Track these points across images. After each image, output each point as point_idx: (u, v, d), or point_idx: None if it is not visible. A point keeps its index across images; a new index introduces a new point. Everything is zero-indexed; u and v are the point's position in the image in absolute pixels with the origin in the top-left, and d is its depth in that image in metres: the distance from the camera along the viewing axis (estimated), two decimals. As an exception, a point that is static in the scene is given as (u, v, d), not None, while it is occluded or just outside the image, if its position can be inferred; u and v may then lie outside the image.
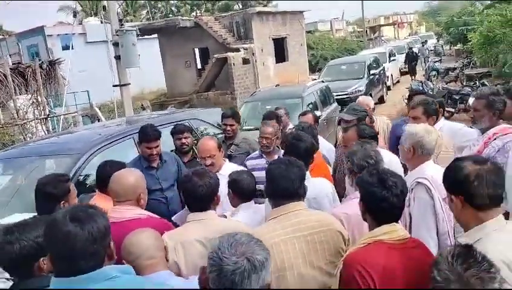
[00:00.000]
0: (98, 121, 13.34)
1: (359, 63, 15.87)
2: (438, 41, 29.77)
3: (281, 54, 23.29)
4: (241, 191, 3.11)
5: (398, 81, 21.16)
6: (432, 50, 28.90)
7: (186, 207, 3.60)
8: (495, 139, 3.31)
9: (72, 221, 1.58)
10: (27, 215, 3.27)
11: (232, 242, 1.48)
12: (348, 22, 51.49)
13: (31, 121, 9.78)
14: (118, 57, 11.09)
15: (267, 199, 2.57)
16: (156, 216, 2.83)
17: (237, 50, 20.32)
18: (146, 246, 2.13)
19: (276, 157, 4.36)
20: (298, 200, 2.26)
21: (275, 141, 4.39)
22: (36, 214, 2.76)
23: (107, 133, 4.74)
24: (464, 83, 16.11)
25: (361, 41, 35.21)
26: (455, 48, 29.97)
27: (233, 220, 2.76)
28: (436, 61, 20.09)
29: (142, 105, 14.08)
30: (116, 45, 10.99)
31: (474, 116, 3.47)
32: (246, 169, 3.80)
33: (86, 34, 27.05)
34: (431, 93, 13.71)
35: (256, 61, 20.99)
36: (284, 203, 2.24)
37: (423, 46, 27.03)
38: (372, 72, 15.57)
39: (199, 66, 23.36)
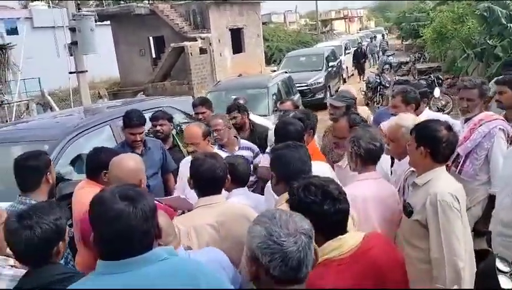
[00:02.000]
0: (51, 110, 12.76)
1: (318, 55, 16.09)
2: (384, 38, 30.10)
3: (238, 45, 23.22)
4: (237, 176, 3.07)
5: (352, 74, 21.68)
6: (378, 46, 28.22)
7: (177, 193, 3.54)
8: (481, 125, 3.47)
9: (123, 199, 1.49)
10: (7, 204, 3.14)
11: (279, 223, 1.45)
12: (300, 15, 51.99)
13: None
14: (74, 43, 10.66)
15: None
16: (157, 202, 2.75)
17: (194, 39, 20.05)
18: (167, 224, 2.07)
19: (236, 148, 4.33)
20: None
21: (228, 132, 4.33)
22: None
23: (83, 120, 4.55)
24: (416, 77, 16.76)
25: (315, 34, 35.72)
26: (405, 42, 31.10)
27: (239, 203, 2.72)
28: (390, 55, 20.67)
29: (99, 93, 13.60)
30: (72, 30, 10.55)
31: (468, 106, 3.60)
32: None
33: (32, 19, 25.77)
34: (387, 86, 14.21)
35: (213, 51, 20.82)
36: None
37: (372, 42, 27.18)
38: (330, 64, 15.84)
39: (154, 55, 22.84)
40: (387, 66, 19.14)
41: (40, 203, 2.04)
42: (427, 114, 4.21)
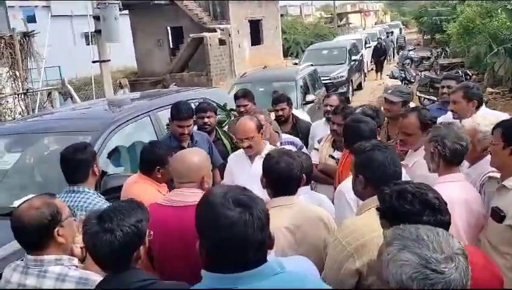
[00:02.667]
0: (71, 99, 12.66)
1: (340, 49, 15.79)
2: (401, 32, 29.28)
3: (256, 37, 23.00)
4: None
5: (371, 69, 21.34)
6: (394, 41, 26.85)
7: None
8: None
9: (237, 205, 1.33)
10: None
11: (430, 245, 1.21)
12: (316, 8, 51.44)
13: (9, 96, 9.09)
14: (98, 31, 10.58)
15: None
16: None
17: (213, 30, 19.88)
18: None
19: (278, 144, 4.01)
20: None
21: (269, 128, 4.08)
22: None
23: (123, 111, 4.40)
24: (438, 73, 16.42)
25: (331, 27, 35.29)
26: (425, 37, 30.59)
27: (315, 205, 2.55)
28: (411, 50, 20.31)
29: (120, 83, 13.46)
30: (97, 18, 10.47)
31: None
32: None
33: (49, 7, 25.73)
34: (413, 81, 13.92)
35: (232, 42, 20.63)
36: None
37: (388, 37, 25.90)
38: (353, 58, 15.56)
39: (172, 46, 22.70)
40: (408, 61, 18.81)
41: (120, 203, 1.89)
42: (484, 111, 3.99)
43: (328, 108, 4.56)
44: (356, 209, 2.23)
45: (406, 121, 3.18)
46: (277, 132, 4.20)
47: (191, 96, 5.45)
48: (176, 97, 5.33)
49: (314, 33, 29.70)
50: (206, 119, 4.34)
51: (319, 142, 4.10)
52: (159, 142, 3.26)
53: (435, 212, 1.63)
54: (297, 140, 4.29)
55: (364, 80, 17.53)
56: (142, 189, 2.99)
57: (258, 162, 3.47)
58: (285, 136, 4.23)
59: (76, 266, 2.06)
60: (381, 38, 21.16)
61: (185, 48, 19.92)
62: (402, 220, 1.62)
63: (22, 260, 2.05)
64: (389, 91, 4.19)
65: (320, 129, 4.64)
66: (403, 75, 13.74)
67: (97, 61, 11.00)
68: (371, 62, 20.23)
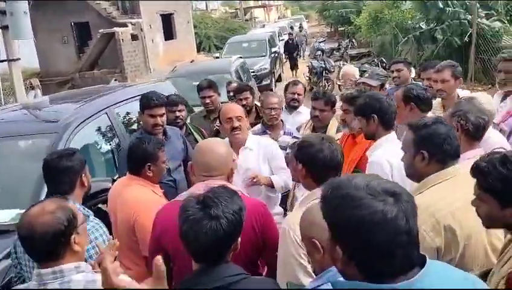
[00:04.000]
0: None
1: (260, 41, 15.91)
2: (301, 29, 29.42)
3: (169, 31, 22.35)
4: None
5: (286, 61, 21.77)
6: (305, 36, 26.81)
7: None
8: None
9: (389, 195, 1.14)
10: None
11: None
12: (220, 3, 51.37)
13: None
14: (5, 27, 9.60)
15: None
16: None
17: (124, 25, 18.92)
18: None
19: (281, 132, 4.05)
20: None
21: (280, 112, 4.07)
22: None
23: (79, 109, 3.95)
24: (349, 62, 17.22)
25: (240, 21, 35.46)
26: (328, 30, 31.87)
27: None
28: (321, 42, 21.04)
29: (31, 84, 12.29)
30: (3, 13, 9.47)
31: (505, 79, 3.57)
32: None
33: None
34: (332, 70, 14.42)
35: (144, 37, 19.83)
36: (453, 164, 2.01)
37: (301, 31, 25.91)
38: (273, 50, 15.74)
39: (78, 43, 21.21)
40: (319, 52, 19.43)
41: (218, 189, 1.65)
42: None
43: (296, 96, 4.48)
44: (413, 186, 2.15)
45: (395, 95, 3.24)
46: (281, 120, 4.04)
47: (142, 90, 5.07)
48: (126, 92, 4.95)
49: (225, 27, 29.60)
50: (177, 113, 4.06)
51: (298, 130, 4.01)
52: (146, 137, 2.95)
53: None
54: (296, 132, 4.16)
55: (283, 72, 17.81)
56: (139, 192, 2.70)
57: (243, 153, 3.30)
58: (287, 127, 4.09)
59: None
60: (292, 34, 20.34)
61: (95, 45, 18.74)
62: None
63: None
64: (367, 75, 4.23)
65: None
66: (323, 65, 14.16)
67: (5, 60, 10.03)
68: (285, 57, 19.50)
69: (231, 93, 5.14)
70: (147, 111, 3.51)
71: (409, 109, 3.13)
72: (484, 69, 11.39)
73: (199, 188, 2.12)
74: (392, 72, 4.85)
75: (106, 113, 4.15)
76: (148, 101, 3.50)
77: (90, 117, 3.91)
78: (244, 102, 4.63)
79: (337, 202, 1.17)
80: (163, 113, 3.57)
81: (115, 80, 13.23)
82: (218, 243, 1.52)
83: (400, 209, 1.12)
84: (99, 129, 4.05)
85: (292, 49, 18.16)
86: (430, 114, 3.31)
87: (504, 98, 3.63)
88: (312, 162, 2.11)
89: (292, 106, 4.55)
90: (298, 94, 4.49)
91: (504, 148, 2.77)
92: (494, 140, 2.76)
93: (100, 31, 18.31)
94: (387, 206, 1.12)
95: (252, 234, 2.10)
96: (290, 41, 18.34)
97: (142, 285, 1.55)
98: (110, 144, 4.15)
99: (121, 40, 18.07)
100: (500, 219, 1.68)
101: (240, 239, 1.61)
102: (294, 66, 17.97)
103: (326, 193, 1.21)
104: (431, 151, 1.99)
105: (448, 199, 1.91)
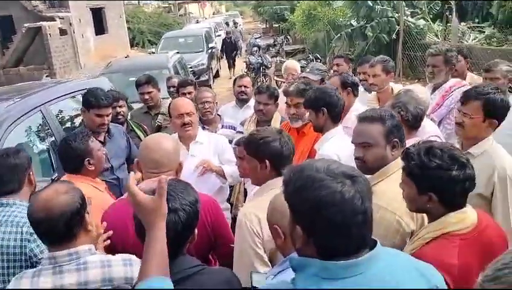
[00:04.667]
0: None
1: (196, 37, 15.75)
2: (236, 27, 28.61)
3: (100, 26, 21.55)
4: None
5: (222, 57, 21.72)
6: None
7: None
8: (452, 91, 3.72)
9: (347, 177, 1.20)
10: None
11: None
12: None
13: None
14: None
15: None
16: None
17: (52, 19, 18.00)
18: None
19: (219, 126, 4.08)
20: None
21: (215, 107, 4.10)
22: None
23: (11, 107, 3.72)
24: (285, 58, 17.54)
25: (174, 16, 34.87)
26: (262, 26, 32.21)
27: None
28: (257, 38, 21.22)
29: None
30: None
31: (433, 72, 3.81)
32: None
33: None
34: (269, 66, 14.61)
35: (74, 32, 18.98)
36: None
37: (236, 27, 25.39)
38: (210, 45, 15.65)
39: (1, 38, 19.90)
40: (255, 48, 19.60)
41: (172, 181, 1.61)
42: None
43: (243, 89, 4.52)
44: None
45: (330, 82, 3.47)
46: (219, 115, 4.04)
47: (77, 87, 4.88)
48: (61, 88, 4.73)
49: (159, 22, 29.00)
50: (118, 109, 3.95)
51: (242, 124, 4.04)
52: (71, 135, 2.85)
53: (463, 167, 1.71)
54: (236, 124, 4.16)
55: (221, 68, 17.77)
56: (88, 191, 2.57)
57: (194, 147, 3.30)
58: (226, 120, 4.09)
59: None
60: (229, 32, 19.41)
61: (20, 40, 17.66)
62: (430, 176, 1.71)
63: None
64: (308, 70, 4.34)
65: (229, 112, 4.57)
66: (260, 61, 14.30)
67: None
68: (221, 56, 18.60)
69: (171, 89, 5.08)
70: (93, 110, 3.37)
71: (346, 93, 3.37)
72: (411, 64, 12.05)
73: (149, 184, 2.09)
74: (333, 65, 5.08)
75: (40, 110, 3.95)
76: (97, 101, 3.35)
77: (23, 115, 3.69)
78: (188, 96, 4.59)
79: (299, 184, 1.22)
80: (110, 113, 3.46)
81: (47, 76, 12.57)
82: (177, 236, 1.50)
83: (357, 191, 1.18)
84: (33, 128, 3.85)
85: (231, 48, 17.46)
86: (364, 107, 3.50)
87: (433, 91, 3.87)
88: (278, 156, 2.14)
89: (241, 99, 4.57)
90: (245, 86, 4.53)
91: (438, 136, 2.98)
92: (429, 129, 2.97)
93: (25, 25, 17.28)
94: (345, 187, 1.18)
95: (203, 229, 2.10)
96: (228, 40, 17.60)
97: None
98: (45, 143, 3.96)
99: (49, 35, 17.17)
100: (417, 204, 1.81)
101: (196, 231, 1.61)
102: (232, 66, 17.20)
103: (289, 176, 1.26)
104: (399, 139, 2.12)
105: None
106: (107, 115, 3.40)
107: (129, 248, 1.96)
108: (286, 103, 3.49)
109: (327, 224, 1.17)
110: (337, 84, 3.40)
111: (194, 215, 1.56)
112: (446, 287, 1.37)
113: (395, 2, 12.54)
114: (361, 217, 1.18)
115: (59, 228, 1.68)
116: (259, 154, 2.17)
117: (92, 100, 3.36)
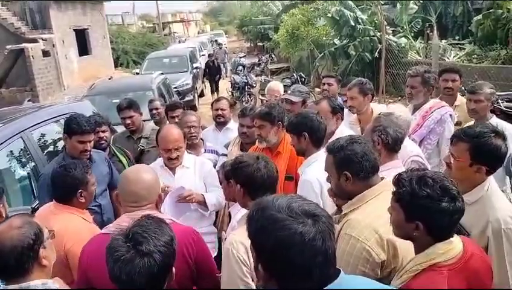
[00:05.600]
0: None
1: (180, 57, 15.75)
2: (220, 47, 27.10)
3: (83, 47, 21.49)
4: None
5: (204, 82, 21.60)
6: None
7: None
8: (432, 112, 3.77)
9: (308, 216, 1.20)
10: None
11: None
12: (138, 16, 50.43)
13: None
14: None
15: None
16: (178, 221, 2.34)
17: (34, 41, 17.89)
18: None
19: (202, 150, 4.07)
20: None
21: (199, 131, 4.10)
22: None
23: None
24: (270, 77, 17.67)
25: (159, 36, 34.99)
26: (247, 45, 32.45)
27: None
28: (242, 57, 21.36)
29: None
30: None
31: (411, 93, 3.86)
32: None
33: None
34: (254, 85, 14.67)
35: (57, 54, 18.89)
36: (376, 178, 2.12)
37: (220, 48, 23.91)
38: (194, 65, 15.67)
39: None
40: (240, 68, 19.69)
41: (145, 221, 1.57)
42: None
43: (219, 112, 4.52)
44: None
45: (319, 107, 3.40)
46: (201, 139, 4.02)
47: (59, 111, 4.83)
48: (42, 113, 4.68)
49: (143, 42, 29.06)
50: (101, 134, 3.90)
51: (226, 147, 4.03)
52: (70, 163, 2.80)
53: (453, 199, 1.69)
54: (219, 148, 4.16)
55: (205, 87, 17.79)
56: (68, 221, 2.55)
57: (180, 172, 3.28)
58: (208, 144, 4.08)
59: None
60: (211, 55, 18.00)
61: (2, 62, 17.48)
62: (419, 205, 1.69)
63: None
64: (289, 92, 4.36)
65: (210, 136, 4.56)
66: (245, 80, 14.37)
67: None
68: (203, 81, 17.16)
69: (154, 111, 5.04)
70: (76, 137, 3.32)
71: (335, 119, 3.38)
72: (393, 82, 12.22)
73: (125, 220, 2.05)
74: (323, 84, 5.07)
75: (21, 137, 3.90)
76: (79, 127, 3.30)
77: (4, 142, 3.65)
78: (176, 119, 4.57)
79: (261, 223, 1.22)
80: (92, 139, 3.43)
81: (29, 100, 12.42)
82: (153, 279, 1.46)
83: (318, 231, 1.18)
84: (13, 154, 3.80)
85: (214, 72, 16.30)
86: (347, 129, 3.53)
87: (414, 111, 3.92)
88: (249, 181, 2.14)
89: (219, 122, 4.58)
90: (222, 109, 4.53)
91: (419, 156, 3.01)
92: (410, 148, 3.02)
93: (8, 47, 17.14)
94: (306, 227, 1.18)
95: (184, 263, 2.08)
96: (211, 63, 16.40)
97: None
98: (26, 170, 3.90)
99: (31, 57, 17.03)
100: (404, 231, 1.78)
101: (174, 270, 1.56)
102: (214, 90, 16.14)
103: (252, 214, 1.27)
104: (352, 171, 2.07)
105: (385, 216, 1.92)
106: (89, 142, 3.36)
107: (105, 285, 1.91)
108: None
109: (287, 265, 1.17)
110: (327, 110, 3.40)
111: (171, 255, 1.52)
112: None
113: (376, 21, 12.75)
114: (322, 258, 1.18)
115: (10, 263, 1.66)
116: (235, 178, 2.20)
117: (74, 127, 3.31)
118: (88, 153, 3.38)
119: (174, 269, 1.56)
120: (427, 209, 1.69)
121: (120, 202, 2.22)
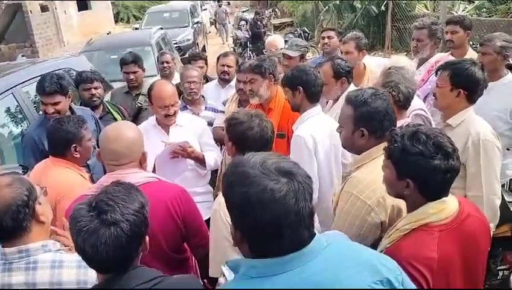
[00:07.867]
0: None
1: (181, 11, 15.32)
2: (220, 6, 25.78)
3: (83, 2, 20.94)
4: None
5: (209, 32, 21.31)
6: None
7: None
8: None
9: (282, 175, 1.13)
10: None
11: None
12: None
13: None
14: None
15: None
16: (166, 180, 2.27)
17: (32, -5, 17.42)
18: None
19: (202, 107, 3.96)
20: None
21: (200, 87, 3.97)
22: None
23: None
24: (272, 32, 17.24)
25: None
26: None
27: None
28: (245, 11, 20.77)
29: None
30: None
31: (417, 46, 3.70)
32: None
33: None
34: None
35: (56, 9, 18.43)
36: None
37: (220, 6, 22.19)
38: (195, 20, 15.29)
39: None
40: (243, 23, 19.21)
41: (112, 188, 1.45)
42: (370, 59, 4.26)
43: (225, 68, 4.37)
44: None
45: (321, 71, 3.18)
46: (202, 96, 3.90)
47: (54, 67, 4.70)
48: (35, 69, 4.55)
49: (143, -3, 28.24)
50: (93, 91, 3.77)
51: (224, 104, 3.92)
52: (65, 117, 2.73)
53: (447, 156, 1.60)
54: (218, 106, 4.05)
55: (207, 43, 17.44)
56: (64, 174, 2.49)
57: (174, 131, 3.18)
58: (210, 102, 3.97)
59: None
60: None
61: (0, 17, 17.12)
62: (410, 162, 1.61)
63: None
64: (286, 46, 4.19)
65: (211, 91, 4.44)
66: (248, 35, 14.03)
67: None
68: (210, 26, 18.41)
69: (165, 64, 4.87)
70: (41, 98, 3.23)
71: (340, 84, 3.16)
72: (400, 36, 11.87)
73: (107, 181, 1.93)
74: (323, 38, 4.85)
75: (12, 93, 3.79)
76: (41, 88, 3.17)
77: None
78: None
79: (232, 179, 1.16)
80: (58, 102, 3.21)
81: (23, 55, 12.21)
82: (122, 250, 1.35)
83: (291, 189, 1.10)
84: (5, 111, 3.70)
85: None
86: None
87: (419, 65, 3.77)
88: (241, 139, 2.06)
89: (223, 79, 4.43)
90: (228, 66, 4.37)
91: (423, 109, 2.90)
92: (413, 103, 2.88)
93: (4, 2, 16.72)
94: (277, 185, 1.10)
95: (171, 222, 2.03)
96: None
97: None
98: (19, 127, 3.81)
99: (30, 12, 16.63)
100: (395, 189, 1.71)
101: (147, 238, 1.46)
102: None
103: (226, 170, 1.20)
104: (371, 129, 1.97)
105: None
106: (53, 104, 3.18)
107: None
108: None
109: (255, 223, 1.11)
110: (330, 74, 3.15)
111: (141, 223, 1.40)
112: (402, 280, 1.28)
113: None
114: (294, 218, 1.10)
115: (7, 223, 1.57)
116: (228, 135, 2.14)
117: (38, 87, 3.19)
118: (53, 115, 3.15)
119: (147, 238, 1.46)
120: (417, 167, 1.60)
121: (102, 160, 2.13)
